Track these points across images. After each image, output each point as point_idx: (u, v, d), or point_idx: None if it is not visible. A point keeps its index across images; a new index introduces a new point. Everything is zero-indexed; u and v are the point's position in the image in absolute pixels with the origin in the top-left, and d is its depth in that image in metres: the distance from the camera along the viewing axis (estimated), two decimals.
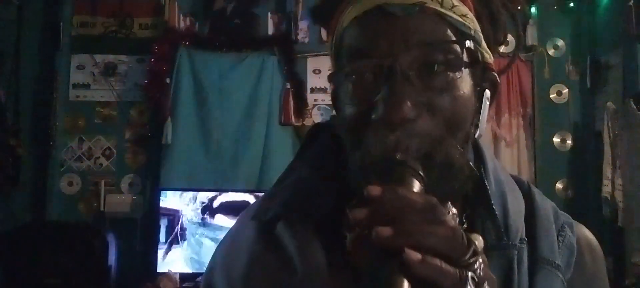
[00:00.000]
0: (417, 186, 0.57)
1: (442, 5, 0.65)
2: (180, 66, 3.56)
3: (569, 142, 3.76)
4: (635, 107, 3.15)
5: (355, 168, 0.64)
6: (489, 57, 0.70)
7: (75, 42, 3.67)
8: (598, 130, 3.54)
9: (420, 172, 0.58)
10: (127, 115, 3.66)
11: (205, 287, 0.73)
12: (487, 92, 0.70)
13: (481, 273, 0.51)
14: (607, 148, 3.35)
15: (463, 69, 0.65)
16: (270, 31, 3.72)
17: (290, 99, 3.59)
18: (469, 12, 0.67)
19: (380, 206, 0.52)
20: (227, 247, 0.74)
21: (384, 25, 0.64)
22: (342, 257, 0.62)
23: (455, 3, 0.66)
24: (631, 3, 3.23)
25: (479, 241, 0.53)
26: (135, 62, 3.67)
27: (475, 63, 0.67)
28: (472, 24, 0.67)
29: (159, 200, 3.30)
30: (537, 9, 3.75)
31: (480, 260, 0.52)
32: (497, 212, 0.69)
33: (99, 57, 3.67)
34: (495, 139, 3.69)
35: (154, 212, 3.36)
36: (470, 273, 0.50)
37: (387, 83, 0.62)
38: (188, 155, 3.54)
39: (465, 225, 0.71)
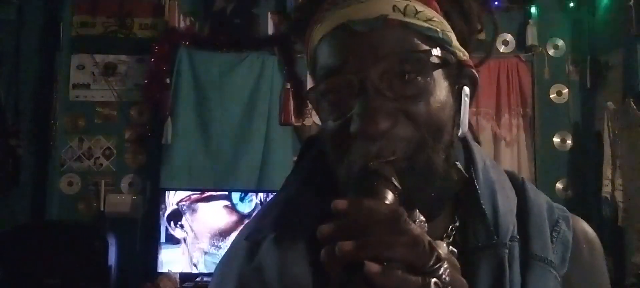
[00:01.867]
0: (389, 196, 0.58)
1: (405, 15, 0.66)
2: (180, 66, 3.56)
3: (569, 142, 3.76)
4: (635, 107, 3.15)
5: (343, 180, 0.66)
6: (463, 54, 0.70)
7: (75, 42, 3.67)
8: (598, 130, 3.54)
9: (394, 181, 0.59)
10: (127, 115, 3.66)
11: None
12: (466, 89, 0.70)
13: (447, 279, 0.52)
14: (607, 149, 3.35)
15: (433, 73, 0.65)
16: (270, 31, 3.72)
17: (290, 99, 3.58)
18: (435, 14, 0.68)
19: (345, 220, 0.53)
20: (221, 268, 0.76)
21: (350, 42, 0.65)
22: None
23: (419, 9, 0.67)
24: (631, 3, 3.23)
25: (442, 247, 0.54)
26: (135, 62, 3.67)
27: (447, 64, 0.67)
28: (440, 25, 0.68)
29: (159, 200, 3.30)
30: (537, 9, 3.75)
31: (446, 265, 0.52)
32: (486, 212, 0.70)
33: (99, 57, 3.67)
34: (495, 138, 3.70)
35: (154, 212, 3.36)
36: (434, 280, 0.51)
37: (360, 98, 0.63)
38: (188, 155, 3.54)
39: (457, 224, 0.72)
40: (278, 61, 3.64)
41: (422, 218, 0.64)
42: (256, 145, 3.57)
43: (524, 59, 3.72)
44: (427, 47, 0.66)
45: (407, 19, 0.66)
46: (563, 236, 0.73)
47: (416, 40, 0.66)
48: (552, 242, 0.71)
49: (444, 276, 0.52)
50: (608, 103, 3.41)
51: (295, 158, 0.84)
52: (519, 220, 0.72)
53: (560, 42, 3.79)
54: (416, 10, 0.66)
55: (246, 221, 0.83)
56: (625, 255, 3.15)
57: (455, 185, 0.69)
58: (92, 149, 3.64)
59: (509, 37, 3.75)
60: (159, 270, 3.20)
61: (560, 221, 0.74)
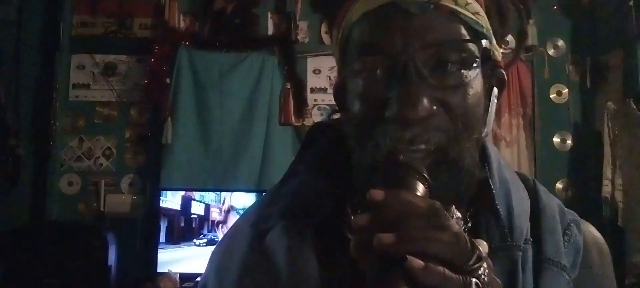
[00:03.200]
0: (420, 189, 0.56)
1: (456, 3, 0.64)
2: (180, 66, 3.56)
3: (569, 142, 3.76)
4: (635, 107, 3.15)
5: (365, 165, 0.63)
6: (498, 54, 0.69)
7: (75, 42, 3.67)
8: (598, 130, 3.54)
9: (425, 174, 0.57)
10: (127, 115, 3.66)
11: None
12: (495, 90, 0.69)
13: (486, 279, 0.50)
14: (607, 149, 3.35)
15: (475, 66, 0.64)
16: (270, 31, 3.72)
17: (290, 99, 3.58)
18: (480, 9, 0.66)
19: (382, 211, 0.51)
20: (222, 253, 0.74)
21: (398, 22, 0.63)
22: (342, 259, 0.61)
23: (469, 0, 0.65)
24: (631, 3, 3.23)
25: (483, 246, 0.52)
26: (135, 62, 3.67)
27: (487, 61, 0.67)
28: (484, 21, 0.66)
29: (159, 200, 3.30)
30: (537, 9, 3.75)
31: (485, 265, 0.51)
32: (501, 212, 0.68)
33: (99, 57, 3.67)
34: (495, 138, 3.69)
35: (154, 212, 3.36)
36: (474, 280, 0.49)
37: (401, 81, 0.61)
38: (188, 155, 3.54)
39: (469, 224, 0.69)
40: (278, 61, 3.64)
41: (459, 214, 0.64)
42: (256, 145, 3.57)
43: (524, 59, 3.71)
44: (473, 40, 0.64)
45: (458, 8, 0.64)
46: (574, 240, 0.71)
47: (463, 31, 0.64)
48: (564, 246, 0.70)
49: (483, 276, 0.50)
50: (608, 103, 3.41)
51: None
52: (532, 222, 0.70)
53: (560, 42, 3.79)
54: (467, 1, 0.65)
55: (243, 210, 0.80)
56: (625, 255, 3.15)
57: (476, 183, 0.67)
58: (92, 149, 3.64)
59: (509, 37, 3.72)
60: (159, 270, 3.20)
61: (572, 225, 0.72)
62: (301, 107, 3.61)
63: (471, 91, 0.64)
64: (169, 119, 3.50)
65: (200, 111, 3.59)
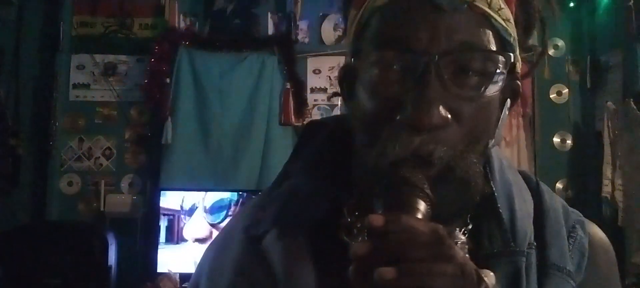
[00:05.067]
0: (422, 208, 0.53)
1: (490, 6, 0.60)
2: (180, 66, 3.56)
3: (569, 142, 3.76)
4: (635, 107, 3.15)
5: (369, 167, 0.59)
6: (520, 65, 0.66)
7: (75, 42, 3.67)
8: (598, 130, 3.54)
9: (427, 190, 0.54)
10: (127, 115, 3.66)
11: None
12: (508, 102, 0.66)
13: None
14: (607, 149, 3.35)
15: (497, 82, 0.60)
16: (270, 31, 3.71)
17: (290, 99, 3.58)
18: (511, 17, 0.63)
19: (383, 240, 0.49)
20: (214, 257, 0.71)
21: (427, 17, 0.58)
22: (338, 263, 0.59)
23: (502, 5, 0.61)
24: (631, 3, 3.23)
25: (490, 277, 0.51)
26: (135, 62, 3.67)
27: (510, 73, 0.63)
28: (513, 30, 0.63)
29: (159, 200, 3.30)
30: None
31: None
32: (503, 216, 0.65)
33: (99, 57, 3.66)
34: None
35: (154, 212, 3.36)
36: None
37: (420, 83, 0.57)
38: (188, 155, 3.53)
39: (470, 227, 0.66)
40: (278, 61, 3.64)
41: (462, 238, 0.61)
42: (256, 145, 3.56)
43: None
44: (499, 49, 0.60)
45: (491, 12, 0.60)
46: (580, 243, 0.69)
47: (492, 38, 0.60)
48: (569, 249, 0.67)
49: None
50: (608, 103, 3.41)
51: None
52: (536, 225, 0.67)
53: (560, 42, 3.79)
54: (500, 5, 0.61)
55: (237, 210, 0.78)
56: (625, 255, 3.14)
57: (479, 194, 0.63)
58: (92, 149, 3.64)
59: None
60: (159, 270, 3.20)
61: (577, 226, 0.70)
62: (301, 107, 3.61)
63: (486, 105, 0.60)
64: (169, 119, 3.49)
65: (200, 111, 3.59)
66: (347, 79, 0.67)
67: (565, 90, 3.77)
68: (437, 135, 0.57)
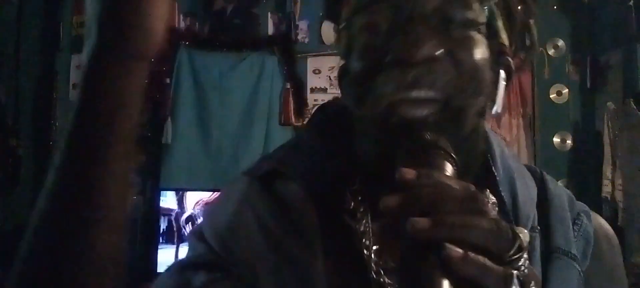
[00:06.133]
0: (450, 170, 0.51)
1: None
2: (180, 66, 3.56)
3: (569, 142, 3.76)
4: (635, 107, 3.15)
5: (366, 122, 0.59)
6: (505, 38, 0.64)
7: (75, 42, 3.67)
8: (598, 130, 3.55)
9: (453, 155, 0.52)
10: None
11: (193, 234, 0.68)
12: (502, 73, 0.64)
13: (526, 271, 0.46)
14: (607, 149, 3.35)
15: (482, 31, 0.60)
16: (270, 31, 3.72)
17: (290, 99, 3.58)
18: None
19: (415, 192, 0.46)
20: (216, 200, 0.71)
21: None
22: (339, 242, 0.59)
23: None
24: (631, 3, 3.23)
25: (524, 235, 0.48)
26: None
27: (492, 36, 0.62)
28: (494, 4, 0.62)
29: (159, 200, 3.30)
30: (537, 9, 3.74)
31: (526, 256, 0.47)
32: (505, 199, 0.64)
33: None
34: None
35: (154, 212, 3.36)
36: (515, 272, 0.45)
37: (405, 27, 0.57)
38: (188, 155, 3.54)
39: None
40: (278, 61, 3.64)
41: (494, 199, 0.59)
42: (256, 145, 3.57)
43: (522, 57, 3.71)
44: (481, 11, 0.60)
45: None
46: (585, 230, 0.68)
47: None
48: (574, 236, 0.66)
49: (523, 268, 0.46)
50: (608, 103, 3.41)
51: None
52: (540, 211, 0.66)
53: (560, 42, 3.79)
54: None
55: None
56: (625, 255, 3.14)
57: (481, 157, 0.62)
58: None
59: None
60: (159, 270, 3.20)
61: (582, 214, 0.69)
62: (301, 107, 3.61)
63: (477, 49, 0.59)
64: (169, 119, 3.50)
65: (200, 111, 3.59)
66: (344, 77, 0.67)
67: (565, 90, 3.77)
68: (432, 69, 0.56)
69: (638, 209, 3.12)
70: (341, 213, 0.63)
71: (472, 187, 0.47)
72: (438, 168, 0.50)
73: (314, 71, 3.70)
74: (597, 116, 3.61)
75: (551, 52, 3.78)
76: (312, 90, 3.69)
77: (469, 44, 0.58)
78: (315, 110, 0.74)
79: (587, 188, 3.65)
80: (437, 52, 0.56)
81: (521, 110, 3.72)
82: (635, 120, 3.14)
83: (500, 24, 0.64)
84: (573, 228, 0.67)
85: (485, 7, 0.61)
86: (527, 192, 0.67)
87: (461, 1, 0.59)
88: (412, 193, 0.46)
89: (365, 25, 0.60)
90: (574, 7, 3.76)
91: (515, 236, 0.46)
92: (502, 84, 0.64)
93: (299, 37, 3.68)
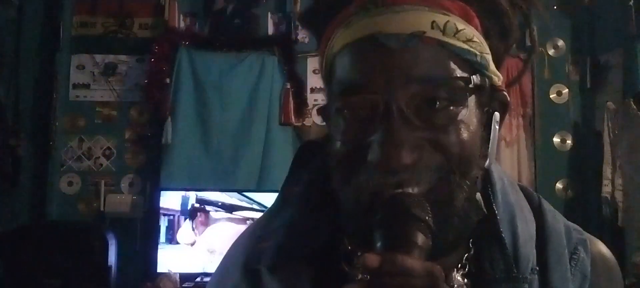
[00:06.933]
0: (420, 240, 0.53)
1: (444, 33, 0.58)
2: (180, 66, 3.56)
3: (569, 142, 3.76)
4: (635, 107, 3.15)
5: (348, 206, 0.60)
6: (498, 78, 0.63)
7: (75, 42, 3.67)
8: (598, 130, 3.55)
9: (428, 220, 0.54)
10: (127, 115, 3.66)
11: None
12: (497, 115, 0.63)
13: None
14: (607, 149, 3.35)
15: (468, 101, 0.59)
16: (270, 31, 3.72)
17: (290, 99, 3.58)
18: (475, 33, 0.61)
19: (376, 282, 0.50)
20: None
21: (378, 58, 0.57)
22: None
23: (460, 27, 0.59)
24: (631, 3, 3.24)
25: None
26: (135, 62, 3.67)
27: (482, 90, 0.61)
28: (479, 47, 0.61)
29: (159, 200, 3.30)
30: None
31: None
32: (506, 240, 0.64)
33: (99, 57, 3.66)
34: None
35: (154, 212, 3.36)
36: None
37: (383, 123, 0.56)
38: (188, 155, 3.54)
39: (472, 252, 0.65)
40: (278, 61, 3.64)
41: (460, 279, 0.60)
42: (256, 145, 3.57)
43: (523, 59, 3.71)
44: (464, 74, 0.59)
45: (446, 39, 0.58)
46: (582, 265, 0.67)
47: (452, 64, 0.58)
48: (571, 272, 0.66)
49: None
50: (608, 103, 3.41)
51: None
52: (538, 248, 0.66)
53: (560, 42, 3.79)
54: (457, 28, 0.59)
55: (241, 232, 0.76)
56: (625, 255, 3.14)
57: (473, 223, 0.62)
58: (92, 149, 3.64)
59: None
60: (159, 270, 3.20)
61: (579, 247, 0.68)
62: (301, 107, 3.61)
63: (464, 128, 0.58)
64: (169, 119, 3.50)
65: (200, 111, 3.59)
66: (326, 118, 0.68)
67: (565, 90, 3.78)
68: (415, 170, 0.56)
69: (638, 209, 3.12)
70: (338, 261, 0.65)
71: (436, 271, 0.50)
72: (408, 242, 0.52)
73: (314, 71, 3.70)
74: (597, 116, 3.61)
75: (551, 52, 3.78)
76: (312, 90, 3.69)
77: (456, 126, 0.58)
78: (298, 160, 0.74)
79: (587, 188, 3.65)
80: (418, 156, 0.56)
81: (521, 110, 3.72)
82: (635, 120, 3.14)
83: (492, 66, 0.63)
84: (570, 263, 0.67)
85: (475, 66, 0.60)
86: (527, 229, 0.66)
87: (443, 80, 0.58)
88: (374, 281, 0.49)
89: (346, 115, 0.60)
90: (574, 7, 3.76)
91: None
92: (496, 129, 0.63)
93: (299, 37, 3.68)
